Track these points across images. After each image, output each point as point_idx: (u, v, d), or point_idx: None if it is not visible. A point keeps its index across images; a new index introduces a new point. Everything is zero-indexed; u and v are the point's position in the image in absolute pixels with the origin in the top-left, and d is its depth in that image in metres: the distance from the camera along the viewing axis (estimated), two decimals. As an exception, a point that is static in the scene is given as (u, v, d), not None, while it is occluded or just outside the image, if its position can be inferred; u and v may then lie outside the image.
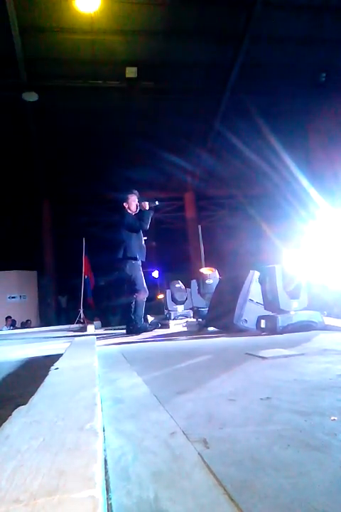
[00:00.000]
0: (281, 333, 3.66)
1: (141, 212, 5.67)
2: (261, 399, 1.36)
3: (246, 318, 4.25)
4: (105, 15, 8.77)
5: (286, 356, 2.27)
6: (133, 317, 5.45)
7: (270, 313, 4.02)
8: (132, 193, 5.79)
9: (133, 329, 5.45)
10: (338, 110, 9.97)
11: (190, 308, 7.87)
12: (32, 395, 1.34)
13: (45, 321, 14.06)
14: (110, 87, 10.82)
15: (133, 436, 1.07)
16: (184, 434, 1.05)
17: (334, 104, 10.23)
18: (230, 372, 1.94)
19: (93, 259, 13.00)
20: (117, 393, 1.61)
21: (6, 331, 11.34)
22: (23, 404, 1.21)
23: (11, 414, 1.11)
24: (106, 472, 0.84)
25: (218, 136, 12.56)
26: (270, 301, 4.02)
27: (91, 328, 7.56)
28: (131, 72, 10.27)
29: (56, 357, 2.37)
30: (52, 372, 1.82)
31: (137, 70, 10.26)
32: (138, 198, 5.79)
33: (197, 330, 5.25)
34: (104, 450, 0.95)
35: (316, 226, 4.24)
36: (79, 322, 11.40)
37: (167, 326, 6.45)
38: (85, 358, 2.35)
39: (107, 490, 0.76)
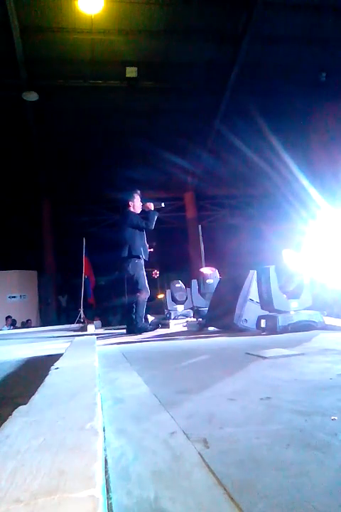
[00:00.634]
0: (281, 333, 3.66)
1: (147, 213, 5.68)
2: (262, 399, 1.36)
3: (247, 318, 4.26)
4: (105, 15, 8.77)
5: (286, 356, 2.27)
6: (133, 317, 5.45)
7: (270, 313, 4.03)
8: (137, 193, 5.79)
9: (133, 329, 5.45)
10: (338, 110, 9.96)
11: (190, 308, 7.88)
12: (32, 395, 1.34)
13: (45, 320, 14.06)
14: (110, 87, 10.81)
15: (134, 436, 1.07)
16: (184, 433, 1.05)
17: (335, 104, 10.22)
18: (230, 372, 1.94)
19: (93, 259, 13.01)
20: (117, 393, 1.61)
21: (6, 331, 11.34)
22: (23, 404, 1.21)
23: (11, 414, 1.10)
24: (106, 472, 0.84)
25: (218, 135, 12.56)
26: (265, 301, 4.03)
27: (91, 328, 7.55)
28: (131, 72, 10.26)
29: (56, 357, 2.37)
30: (52, 372, 1.82)
31: (137, 70, 10.25)
32: (140, 199, 5.81)
33: (198, 329, 5.25)
34: (105, 450, 0.95)
35: (316, 226, 4.24)
36: (79, 322, 11.40)
37: (167, 326, 6.45)
38: (85, 357, 2.35)
39: (107, 490, 0.76)
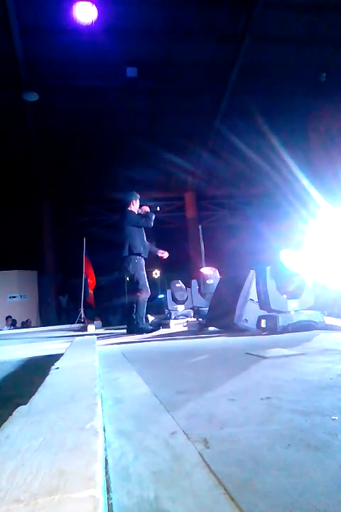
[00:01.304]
0: (282, 333, 3.66)
1: (146, 213, 5.79)
2: (262, 398, 1.36)
3: (247, 318, 4.25)
4: (105, 15, 8.77)
5: (287, 356, 2.27)
6: (134, 317, 5.45)
7: (270, 313, 4.02)
8: (136, 195, 5.87)
9: (134, 329, 5.45)
10: (338, 110, 9.96)
11: (191, 308, 7.88)
12: (32, 395, 1.34)
13: (45, 320, 14.05)
14: (110, 87, 10.81)
15: (134, 436, 1.07)
16: (184, 433, 1.05)
17: (335, 103, 10.22)
18: (230, 372, 1.94)
19: (93, 259, 13.01)
20: (118, 393, 1.61)
21: (6, 331, 11.34)
22: (23, 404, 1.21)
23: (11, 414, 1.10)
24: (106, 472, 0.84)
25: (218, 135, 12.56)
26: (263, 301, 4.04)
27: (91, 328, 7.55)
28: (131, 71, 10.26)
29: (57, 357, 2.37)
30: (52, 372, 1.82)
31: (137, 70, 10.25)
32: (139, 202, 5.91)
33: (198, 330, 5.25)
34: (105, 450, 0.94)
35: (316, 226, 4.24)
36: (79, 322, 11.41)
37: (167, 326, 6.45)
38: (86, 357, 2.35)
39: (108, 490, 0.76)
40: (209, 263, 9.20)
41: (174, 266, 15.05)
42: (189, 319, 6.95)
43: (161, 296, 11.05)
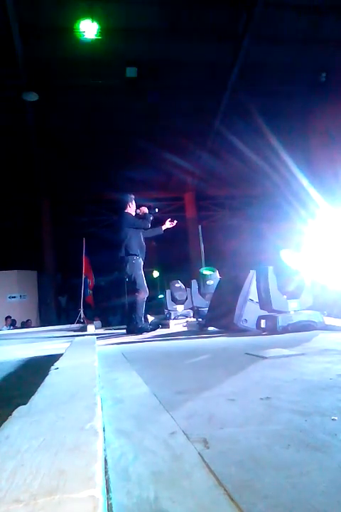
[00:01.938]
0: (281, 333, 3.66)
1: (143, 214, 5.83)
2: (261, 399, 1.36)
3: (246, 318, 4.25)
4: (105, 15, 8.77)
5: (286, 356, 2.27)
6: (133, 317, 5.46)
7: (270, 313, 4.02)
8: (132, 197, 5.89)
9: (133, 329, 5.45)
10: (338, 110, 9.96)
11: (190, 308, 7.88)
12: (32, 395, 1.34)
13: (45, 320, 14.05)
14: (110, 87, 10.81)
15: (133, 436, 1.07)
16: (184, 433, 1.05)
17: (334, 104, 10.22)
18: (230, 372, 1.94)
19: (93, 259, 13.02)
20: (117, 393, 1.61)
21: (5, 331, 11.34)
22: (23, 404, 1.21)
23: (11, 414, 1.10)
24: (106, 472, 0.84)
25: (218, 136, 12.56)
26: (264, 301, 4.04)
27: (91, 328, 7.56)
28: (131, 72, 10.26)
29: (56, 357, 2.37)
30: (52, 372, 1.82)
31: (137, 70, 10.25)
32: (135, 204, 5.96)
33: (198, 330, 5.25)
34: (104, 450, 0.94)
35: (316, 226, 4.24)
36: (79, 322, 11.41)
37: (167, 326, 6.45)
38: (85, 357, 2.35)
39: (107, 490, 0.76)
40: (208, 263, 9.21)
41: (174, 266, 15.06)
42: (188, 319, 6.96)
43: (161, 296, 11.05)
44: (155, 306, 10.06)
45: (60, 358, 2.27)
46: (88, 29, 9.00)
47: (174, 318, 7.57)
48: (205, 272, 7.68)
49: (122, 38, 9.38)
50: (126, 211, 5.78)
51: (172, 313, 7.93)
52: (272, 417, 1.16)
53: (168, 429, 1.09)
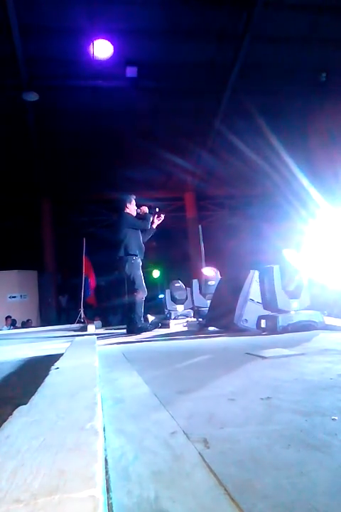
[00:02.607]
0: (282, 333, 3.66)
1: (144, 214, 5.82)
2: (262, 399, 1.36)
3: (247, 318, 4.25)
4: (106, 15, 8.77)
5: (287, 356, 2.27)
6: (133, 317, 5.46)
7: (269, 312, 4.02)
8: (132, 197, 5.89)
9: (133, 329, 5.46)
10: (338, 110, 9.95)
11: (191, 308, 7.87)
12: (32, 395, 1.34)
13: (45, 320, 14.05)
14: (110, 86, 10.81)
15: (134, 436, 1.07)
16: (184, 433, 1.05)
17: (335, 104, 10.21)
18: (230, 372, 1.94)
19: (93, 259, 13.02)
20: (118, 393, 1.61)
21: (6, 331, 11.34)
22: (23, 404, 1.21)
23: (11, 414, 1.10)
24: (106, 472, 0.84)
25: (218, 135, 12.54)
26: (268, 301, 4.02)
27: (91, 328, 7.56)
28: (131, 72, 10.26)
29: (56, 357, 2.37)
30: (52, 372, 1.82)
31: (137, 70, 10.25)
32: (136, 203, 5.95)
33: (198, 329, 5.25)
34: (105, 450, 0.94)
35: (316, 226, 4.23)
36: (79, 322, 11.41)
37: (167, 326, 6.45)
38: (86, 357, 2.35)
39: (108, 489, 0.76)
40: (209, 263, 9.20)
41: (174, 266, 15.07)
42: (189, 319, 6.95)
43: (161, 296, 11.06)
44: (156, 306, 10.06)
45: (61, 358, 2.27)
46: (102, 49, 9.30)
47: (174, 318, 7.56)
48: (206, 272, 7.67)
49: (122, 37, 9.38)
50: (125, 211, 5.79)
51: (172, 313, 7.93)
52: (272, 417, 1.16)
53: (169, 429, 1.09)
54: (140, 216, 5.82)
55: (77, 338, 4.56)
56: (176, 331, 5.62)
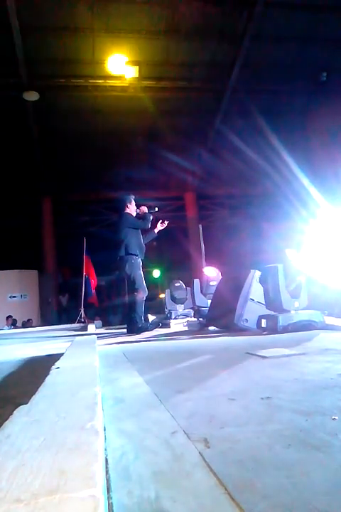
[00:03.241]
0: (282, 333, 3.66)
1: (143, 214, 5.83)
2: (262, 398, 1.36)
3: (247, 318, 4.25)
4: (105, 14, 8.78)
5: (287, 356, 2.27)
6: (133, 316, 5.47)
7: (272, 312, 4.02)
8: (132, 197, 5.90)
9: (134, 329, 5.46)
10: (339, 109, 9.95)
11: (191, 308, 7.87)
12: (33, 395, 1.34)
13: (45, 320, 14.06)
14: (111, 86, 10.81)
15: (134, 436, 1.07)
16: (185, 433, 1.05)
17: (335, 103, 10.21)
18: (231, 372, 1.95)
19: (93, 259, 13.02)
20: (118, 392, 1.61)
21: (6, 331, 11.35)
22: (24, 404, 1.21)
23: (11, 414, 1.11)
24: (107, 471, 0.84)
25: (218, 135, 12.54)
26: (272, 301, 4.01)
27: (92, 328, 7.56)
28: (131, 72, 10.26)
29: (57, 356, 2.37)
30: (53, 371, 1.82)
31: (137, 70, 10.25)
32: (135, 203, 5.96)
33: (198, 329, 5.25)
34: (105, 449, 0.95)
35: (317, 225, 4.23)
36: (80, 321, 11.41)
37: (168, 326, 6.45)
38: (86, 357, 2.35)
39: (108, 489, 0.76)
40: (209, 262, 9.20)
41: (174, 265, 15.07)
42: (189, 319, 6.95)
43: (162, 295, 11.06)
44: (156, 306, 10.06)
45: (61, 358, 2.27)
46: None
47: (175, 318, 7.56)
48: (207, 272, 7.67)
49: (122, 37, 9.38)
50: (126, 211, 5.80)
51: (172, 312, 7.93)
52: (273, 417, 1.16)
53: (169, 429, 1.10)
54: (139, 216, 5.84)
55: (77, 337, 4.56)
56: (176, 331, 5.62)
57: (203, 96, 11.66)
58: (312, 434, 1.00)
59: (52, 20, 8.75)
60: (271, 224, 11.04)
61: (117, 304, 14.42)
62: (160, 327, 6.06)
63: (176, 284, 8.21)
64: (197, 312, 7.15)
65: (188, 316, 7.52)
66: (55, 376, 1.72)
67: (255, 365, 2.10)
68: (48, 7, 8.47)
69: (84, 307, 12.25)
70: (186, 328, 5.83)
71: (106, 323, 11.18)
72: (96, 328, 7.95)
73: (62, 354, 2.50)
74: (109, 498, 0.74)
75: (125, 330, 5.82)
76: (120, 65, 9.51)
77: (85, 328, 7.78)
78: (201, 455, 0.90)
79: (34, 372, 2.35)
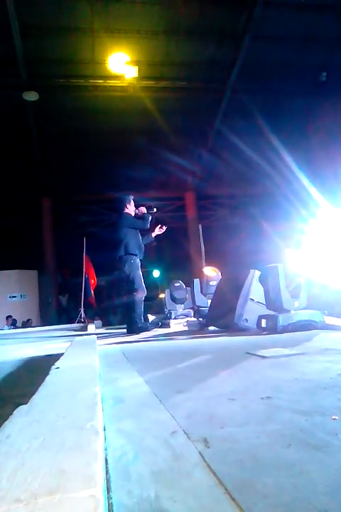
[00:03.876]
0: (282, 333, 3.66)
1: (142, 214, 5.84)
2: (262, 398, 1.36)
3: (247, 318, 4.25)
4: (105, 14, 8.78)
5: (287, 355, 2.27)
6: (133, 316, 5.47)
7: (272, 312, 4.01)
8: (131, 197, 5.90)
9: (134, 328, 5.46)
10: (338, 109, 9.95)
11: (191, 308, 7.86)
12: (33, 395, 1.34)
13: (45, 320, 14.06)
14: (110, 86, 10.81)
15: (134, 436, 1.07)
16: (185, 433, 1.05)
17: (335, 103, 10.22)
18: (231, 372, 1.94)
19: (93, 259, 13.02)
20: (118, 392, 1.61)
21: (6, 331, 11.35)
22: (23, 404, 1.21)
23: (11, 414, 1.11)
24: (106, 471, 0.84)
25: (218, 135, 12.55)
26: (272, 301, 4.01)
27: (92, 328, 7.55)
28: (132, 72, 10.26)
29: (57, 356, 2.37)
30: (52, 371, 1.82)
31: (137, 70, 10.25)
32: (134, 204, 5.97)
33: (198, 329, 5.25)
34: (105, 449, 0.95)
35: (317, 225, 4.23)
36: (79, 321, 11.41)
37: (168, 326, 6.45)
38: (86, 357, 2.35)
39: (108, 489, 0.76)
40: (209, 262, 9.20)
41: (174, 265, 15.06)
42: (189, 319, 6.95)
43: (162, 295, 11.06)
44: (156, 306, 10.06)
45: (61, 358, 2.27)
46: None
47: (174, 318, 7.56)
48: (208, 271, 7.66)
49: (122, 37, 9.38)
50: (125, 212, 5.80)
51: (172, 312, 7.92)
52: (272, 417, 1.16)
53: (169, 429, 1.09)
54: (138, 216, 5.84)
55: (77, 337, 4.56)
56: (176, 331, 5.62)
57: (203, 96, 11.66)
58: (312, 433, 1.00)
59: (52, 20, 8.75)
60: (271, 224, 11.03)
61: (117, 304, 14.43)
62: (160, 327, 6.06)
63: (176, 284, 8.19)
64: (197, 312, 7.15)
65: (188, 316, 7.51)
66: (54, 376, 1.72)
67: (255, 365, 2.10)
68: (48, 7, 8.48)
69: (84, 307, 12.24)
70: (186, 328, 5.83)
71: (106, 323, 11.18)
72: (96, 328, 7.95)
73: (61, 354, 2.50)
74: (109, 498, 0.74)
75: (125, 330, 5.82)
76: (120, 64, 9.51)
77: (85, 328, 7.77)
78: (201, 455, 0.90)
79: (34, 372, 2.35)
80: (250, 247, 11.64)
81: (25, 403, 1.22)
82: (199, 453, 0.91)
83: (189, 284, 7.99)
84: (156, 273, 17.59)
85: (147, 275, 15.09)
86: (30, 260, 14.60)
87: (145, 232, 5.96)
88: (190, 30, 9.43)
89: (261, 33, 9.54)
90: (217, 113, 12.19)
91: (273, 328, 3.77)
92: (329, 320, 4.03)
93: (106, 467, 0.86)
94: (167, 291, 8.32)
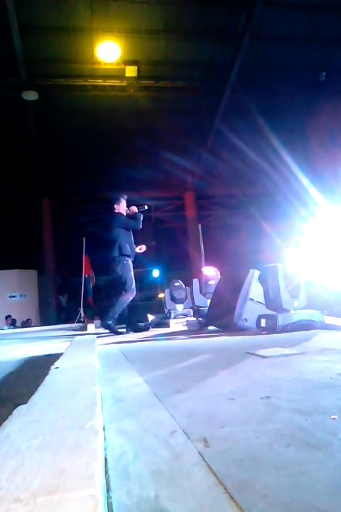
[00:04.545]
0: (281, 332, 3.66)
1: (134, 214, 5.83)
2: (261, 398, 1.36)
3: (246, 317, 4.25)
4: (105, 14, 8.77)
5: (286, 355, 2.27)
6: (109, 309, 5.48)
7: (271, 312, 4.01)
8: (123, 197, 5.89)
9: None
10: (338, 109, 9.96)
11: (190, 307, 7.86)
12: (32, 394, 1.34)
13: (45, 320, 14.06)
14: (110, 86, 10.81)
15: (134, 435, 1.07)
16: (184, 433, 1.05)
17: (334, 103, 10.22)
18: (230, 371, 1.94)
19: (93, 259, 13.01)
20: (117, 392, 1.61)
21: (6, 330, 11.34)
22: (23, 404, 1.21)
23: (11, 413, 1.10)
24: (106, 471, 0.84)
25: (218, 135, 12.56)
26: (272, 300, 4.01)
27: (91, 327, 7.56)
28: (131, 71, 10.26)
29: (56, 356, 2.37)
30: (52, 371, 1.82)
31: (137, 69, 10.25)
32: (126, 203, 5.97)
33: (198, 329, 5.25)
34: (105, 449, 0.94)
35: (316, 225, 4.23)
36: (79, 321, 11.41)
37: (167, 325, 6.45)
38: (85, 357, 2.35)
39: (107, 489, 0.76)
40: (208, 262, 9.19)
41: (174, 265, 15.06)
42: (188, 318, 6.95)
43: (161, 295, 11.05)
44: (155, 306, 10.05)
45: (60, 358, 2.27)
46: (102, 49, 9.37)
47: (174, 318, 7.56)
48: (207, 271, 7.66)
49: (122, 37, 9.38)
50: (117, 212, 5.79)
51: (172, 312, 7.92)
52: (272, 416, 1.16)
53: (168, 429, 1.09)
54: (130, 216, 5.82)
55: (76, 337, 4.57)
56: (176, 331, 5.62)
57: (203, 96, 11.67)
58: (311, 433, 0.99)
59: (52, 20, 8.75)
60: (271, 223, 11.04)
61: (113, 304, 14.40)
62: (159, 326, 6.06)
63: (175, 284, 8.20)
64: (197, 312, 7.15)
65: (187, 316, 7.51)
66: (54, 376, 1.72)
67: (254, 364, 2.10)
68: (48, 7, 8.48)
69: (83, 307, 12.24)
70: (185, 328, 5.82)
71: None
72: (96, 327, 7.94)
73: (61, 354, 2.50)
74: (109, 497, 0.74)
75: (124, 330, 5.82)
76: (111, 53, 9.43)
77: (85, 328, 7.77)
78: (200, 455, 0.90)
79: (33, 371, 2.35)
80: (249, 246, 11.66)
81: (25, 403, 1.22)
82: (199, 453, 0.91)
83: (188, 283, 7.99)
84: (156, 273, 17.56)
85: (146, 275, 15.11)
86: (30, 260, 14.59)
87: (138, 231, 5.93)
88: (190, 30, 9.43)
89: (260, 33, 9.54)
90: (216, 113, 12.19)
91: (272, 328, 3.77)
92: (329, 320, 4.03)
93: (106, 467, 0.86)
94: (166, 290, 8.32)
